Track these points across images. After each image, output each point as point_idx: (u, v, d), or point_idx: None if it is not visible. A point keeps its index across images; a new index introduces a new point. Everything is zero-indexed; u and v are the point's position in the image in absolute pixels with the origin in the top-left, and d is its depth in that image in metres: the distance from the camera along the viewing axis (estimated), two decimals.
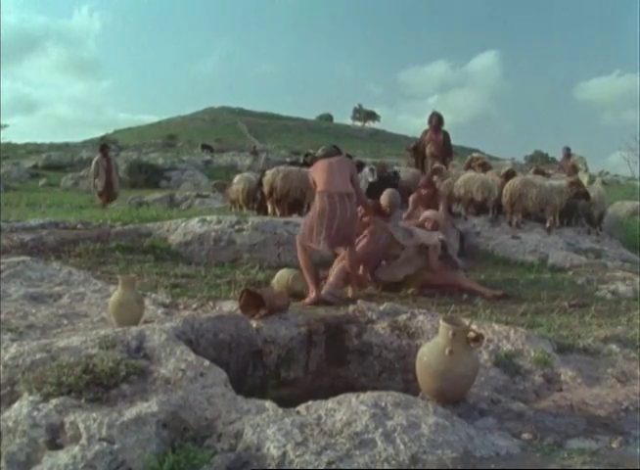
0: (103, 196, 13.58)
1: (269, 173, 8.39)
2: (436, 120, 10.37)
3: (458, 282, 6.03)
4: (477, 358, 2.91)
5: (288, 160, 18.66)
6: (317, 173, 5.71)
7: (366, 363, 3.82)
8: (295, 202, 8.71)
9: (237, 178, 11.06)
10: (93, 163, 13.99)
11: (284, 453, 2.02)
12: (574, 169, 11.81)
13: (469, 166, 10.81)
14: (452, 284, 6.01)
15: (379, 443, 2.06)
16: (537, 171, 11.55)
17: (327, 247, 5.50)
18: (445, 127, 10.62)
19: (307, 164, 8.99)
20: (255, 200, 10.03)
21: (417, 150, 10.96)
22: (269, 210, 8.59)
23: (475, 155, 12.46)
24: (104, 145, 15.12)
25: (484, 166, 10.31)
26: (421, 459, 1.99)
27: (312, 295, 5.17)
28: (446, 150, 10.52)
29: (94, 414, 2.20)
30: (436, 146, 10.34)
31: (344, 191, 5.51)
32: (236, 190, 10.57)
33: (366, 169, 10.47)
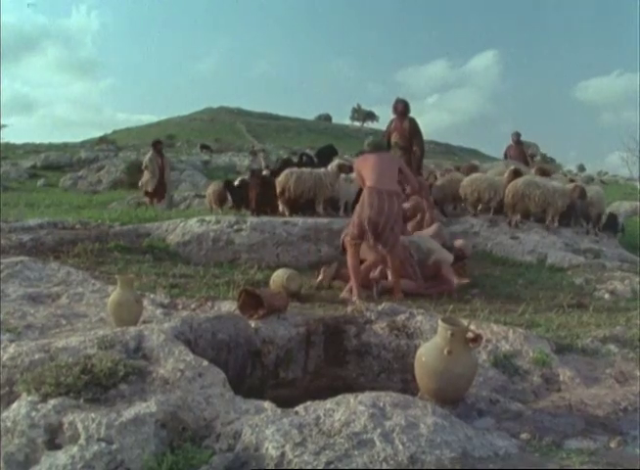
0: (154, 196, 12.73)
1: (282, 175, 8.43)
2: (402, 107, 9.69)
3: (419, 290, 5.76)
4: (475, 359, 2.91)
5: (275, 159, 18.73)
6: (366, 169, 5.60)
7: (365, 363, 3.82)
8: (306, 202, 8.71)
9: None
10: (146, 159, 12.79)
11: (282, 454, 2.02)
12: (531, 159, 11.59)
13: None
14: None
15: (377, 443, 2.06)
16: (540, 171, 11.30)
17: (379, 244, 5.46)
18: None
19: (303, 164, 8.95)
20: (226, 200, 10.67)
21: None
22: (280, 209, 8.60)
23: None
24: (157, 141, 13.47)
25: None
26: (419, 459, 1.99)
27: (354, 298, 5.16)
28: (415, 139, 9.80)
29: (92, 414, 2.20)
30: (401, 135, 9.66)
31: (393, 189, 5.46)
32: (208, 193, 11.43)
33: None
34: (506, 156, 12.98)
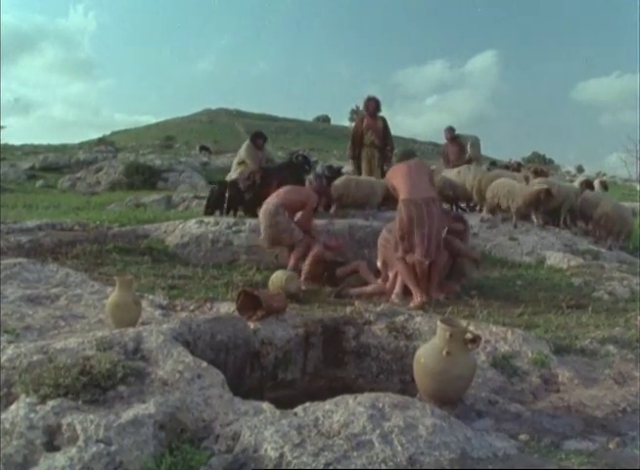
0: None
1: (340, 182, 8.64)
2: (374, 106, 9.65)
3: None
4: (474, 360, 2.92)
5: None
6: (397, 179, 5.52)
7: (363, 365, 3.82)
8: (357, 205, 8.85)
9: None
10: (243, 153, 9.95)
11: (281, 455, 2.02)
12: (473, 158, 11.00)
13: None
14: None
15: (376, 444, 2.05)
16: (536, 172, 11.28)
17: (425, 256, 5.28)
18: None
19: (297, 166, 8.81)
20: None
21: (353, 140, 9.97)
22: (331, 210, 8.70)
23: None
24: (259, 133, 10.50)
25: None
26: (418, 460, 1.99)
27: (417, 299, 5.12)
28: (387, 138, 9.78)
29: (91, 416, 2.20)
30: (376, 134, 9.60)
31: (428, 196, 5.33)
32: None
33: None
34: (445, 154, 12.04)
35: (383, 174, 9.54)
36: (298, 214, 6.33)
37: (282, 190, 6.35)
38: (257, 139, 9.99)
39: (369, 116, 9.71)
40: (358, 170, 10.05)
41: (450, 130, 11.67)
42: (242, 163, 9.82)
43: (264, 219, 6.09)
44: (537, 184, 8.92)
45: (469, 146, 11.45)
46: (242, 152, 9.95)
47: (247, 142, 10.09)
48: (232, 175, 9.82)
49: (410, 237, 5.26)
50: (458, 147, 11.58)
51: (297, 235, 6.03)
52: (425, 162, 5.87)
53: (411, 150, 6.06)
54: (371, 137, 9.64)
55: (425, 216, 5.21)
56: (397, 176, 5.52)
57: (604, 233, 9.10)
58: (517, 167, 13.00)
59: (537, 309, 5.16)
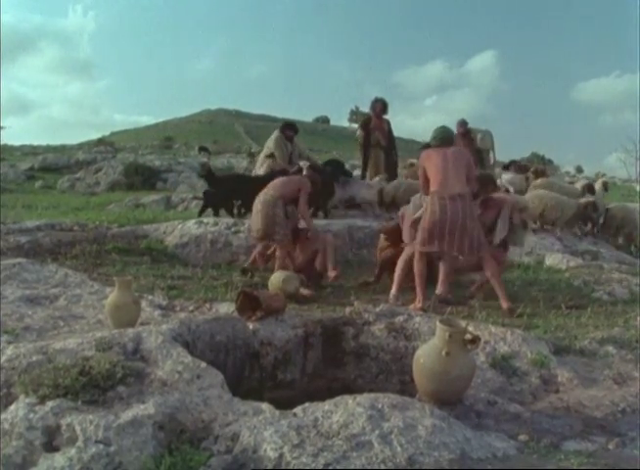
0: None
1: (391, 187, 8.72)
2: (380, 107, 9.54)
3: None
4: (473, 360, 2.91)
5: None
6: (430, 168, 5.18)
7: (363, 365, 3.82)
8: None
9: None
10: (272, 144, 8.96)
11: (281, 455, 2.02)
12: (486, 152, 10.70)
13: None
14: None
15: (375, 444, 2.05)
16: (536, 172, 11.10)
17: (456, 251, 5.19)
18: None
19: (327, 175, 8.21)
20: None
21: (363, 143, 9.78)
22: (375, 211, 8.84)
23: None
24: (289, 123, 9.41)
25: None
26: (417, 461, 1.99)
27: (419, 304, 5.02)
28: (393, 141, 9.77)
29: (90, 416, 2.20)
30: (383, 135, 9.54)
31: (459, 192, 5.06)
32: None
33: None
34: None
35: (389, 176, 9.54)
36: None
37: (278, 181, 6.21)
38: (287, 130, 8.96)
39: (376, 117, 9.64)
40: (364, 172, 10.01)
41: (462, 124, 10.58)
42: (270, 155, 8.94)
43: (263, 208, 5.91)
44: (585, 197, 9.00)
45: (478, 138, 10.82)
46: (270, 143, 8.96)
47: (275, 132, 9.06)
48: (259, 171, 9.05)
49: (433, 230, 5.09)
50: (468, 141, 10.40)
51: (284, 233, 5.92)
52: (467, 155, 5.32)
53: (450, 134, 5.44)
54: (378, 138, 9.58)
55: (448, 212, 5.01)
56: (431, 165, 5.20)
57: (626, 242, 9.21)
58: (524, 169, 12.75)
59: (537, 310, 5.16)
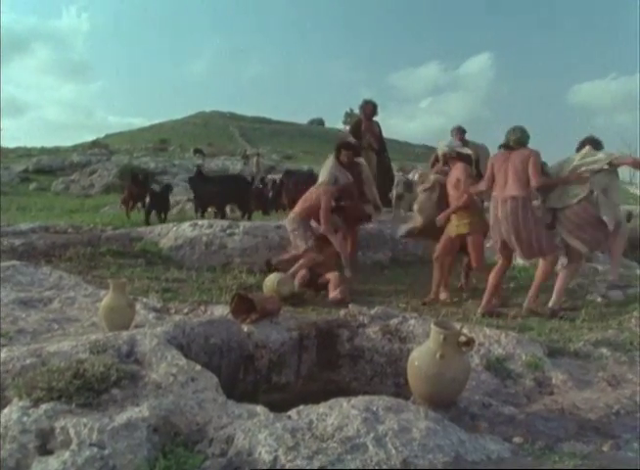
0: None
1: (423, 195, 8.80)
2: (371, 109, 9.37)
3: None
4: (468, 362, 2.92)
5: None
6: (497, 170, 5.30)
7: (357, 368, 3.82)
8: None
9: None
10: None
11: (275, 458, 2.01)
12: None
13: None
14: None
15: (370, 447, 2.05)
16: None
17: (525, 257, 5.48)
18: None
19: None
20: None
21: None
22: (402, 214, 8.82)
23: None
24: (345, 145, 7.54)
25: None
26: (412, 463, 1.99)
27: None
28: (383, 143, 9.59)
29: (84, 419, 2.19)
30: (374, 137, 9.37)
31: (518, 195, 5.11)
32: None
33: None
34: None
35: (384, 179, 9.43)
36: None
37: (300, 200, 6.47)
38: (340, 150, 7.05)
39: (366, 119, 9.55)
40: None
41: (460, 131, 9.30)
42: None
43: (288, 226, 6.31)
44: None
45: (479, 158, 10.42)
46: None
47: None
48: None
49: (494, 233, 5.38)
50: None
51: (304, 246, 6.07)
52: (528, 153, 5.22)
53: (523, 136, 5.35)
54: (369, 141, 9.54)
55: (499, 215, 5.20)
56: (497, 167, 5.31)
57: None
58: None
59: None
